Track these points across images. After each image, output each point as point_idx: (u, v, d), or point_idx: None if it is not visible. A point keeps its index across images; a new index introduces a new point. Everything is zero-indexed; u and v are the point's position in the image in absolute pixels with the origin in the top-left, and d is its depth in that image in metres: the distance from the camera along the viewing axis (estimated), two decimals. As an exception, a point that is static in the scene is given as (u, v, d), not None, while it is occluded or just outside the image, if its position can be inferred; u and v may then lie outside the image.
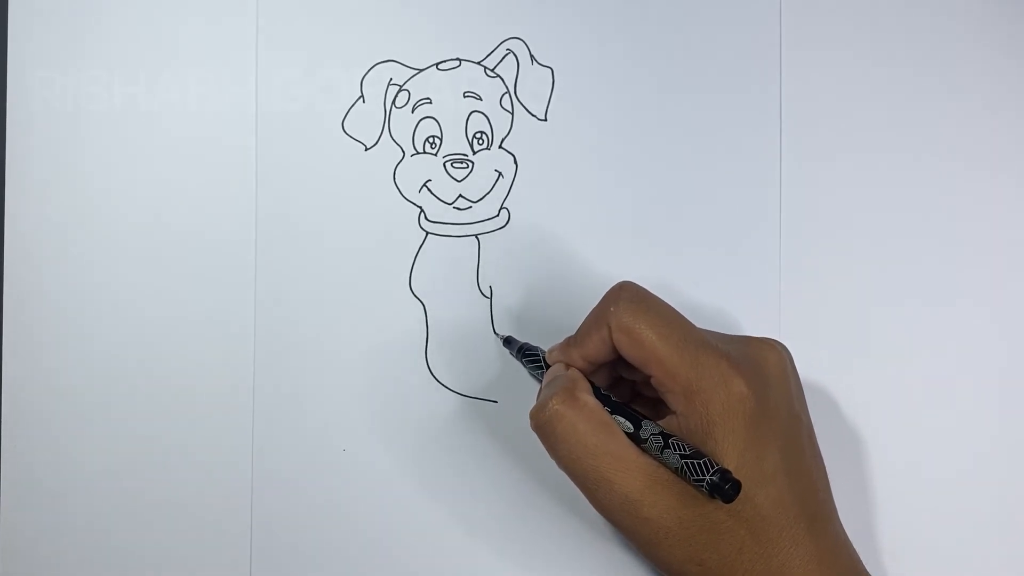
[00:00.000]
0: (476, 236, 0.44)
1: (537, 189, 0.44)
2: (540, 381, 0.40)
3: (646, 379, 0.37)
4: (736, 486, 0.33)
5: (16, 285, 0.44)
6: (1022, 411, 0.44)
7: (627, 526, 0.35)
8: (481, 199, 0.44)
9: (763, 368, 0.36)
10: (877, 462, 0.43)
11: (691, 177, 0.44)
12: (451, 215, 0.44)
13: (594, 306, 0.38)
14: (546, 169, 0.44)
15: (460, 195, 0.44)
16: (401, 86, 0.44)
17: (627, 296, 0.37)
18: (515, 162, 0.44)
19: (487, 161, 0.44)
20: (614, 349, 0.36)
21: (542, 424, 0.36)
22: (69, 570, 0.43)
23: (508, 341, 0.42)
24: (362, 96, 0.44)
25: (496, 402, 0.44)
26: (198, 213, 0.44)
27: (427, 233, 0.44)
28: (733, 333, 0.40)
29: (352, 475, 0.43)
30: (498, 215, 0.44)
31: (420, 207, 0.44)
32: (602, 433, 0.35)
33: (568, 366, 0.38)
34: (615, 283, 0.38)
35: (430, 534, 0.43)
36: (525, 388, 0.43)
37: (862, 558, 0.37)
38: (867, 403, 0.43)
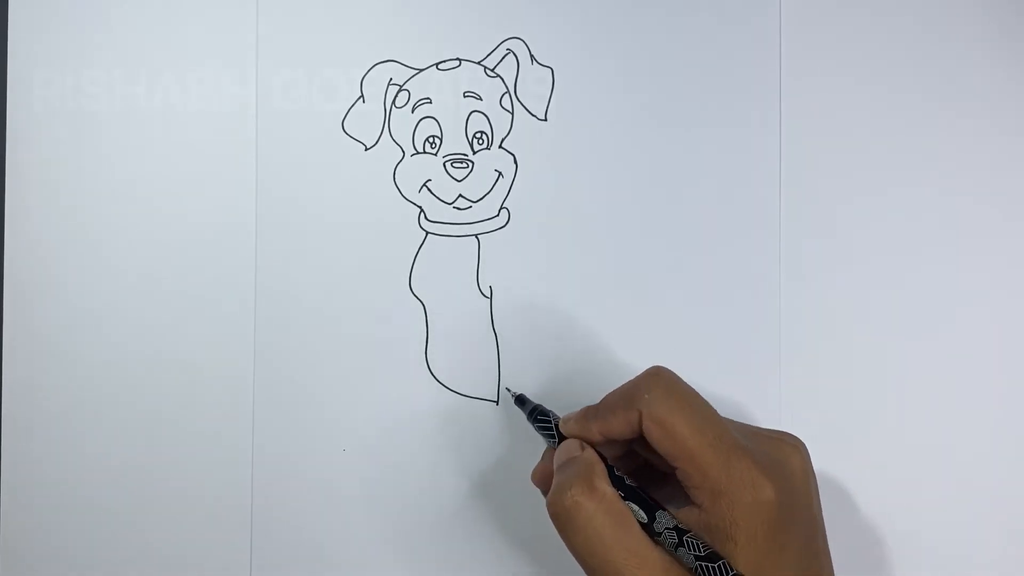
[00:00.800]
0: (476, 236, 0.44)
1: (537, 189, 0.44)
2: (548, 443, 0.39)
3: (665, 466, 0.36)
4: None
5: (16, 285, 0.44)
6: None
7: None
8: (481, 199, 0.44)
9: (788, 472, 0.36)
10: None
11: (691, 176, 0.44)
12: (451, 215, 0.44)
13: (622, 384, 0.37)
14: (546, 169, 0.44)
15: (460, 195, 0.44)
16: (401, 86, 0.44)
17: (663, 385, 0.36)
18: (515, 162, 0.44)
19: (487, 161, 0.44)
20: (638, 432, 0.36)
21: (559, 514, 0.35)
22: (69, 570, 0.43)
23: (520, 400, 0.42)
24: (362, 96, 0.44)
25: (496, 402, 0.44)
26: (198, 213, 0.44)
27: (427, 233, 0.44)
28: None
29: (352, 475, 0.43)
30: (498, 215, 0.44)
31: (420, 207, 0.44)
32: (619, 527, 0.34)
33: (584, 446, 0.37)
34: (649, 367, 0.37)
35: (430, 534, 0.43)
36: (525, 388, 0.43)
37: None
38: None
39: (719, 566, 0.33)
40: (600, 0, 0.44)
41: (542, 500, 0.43)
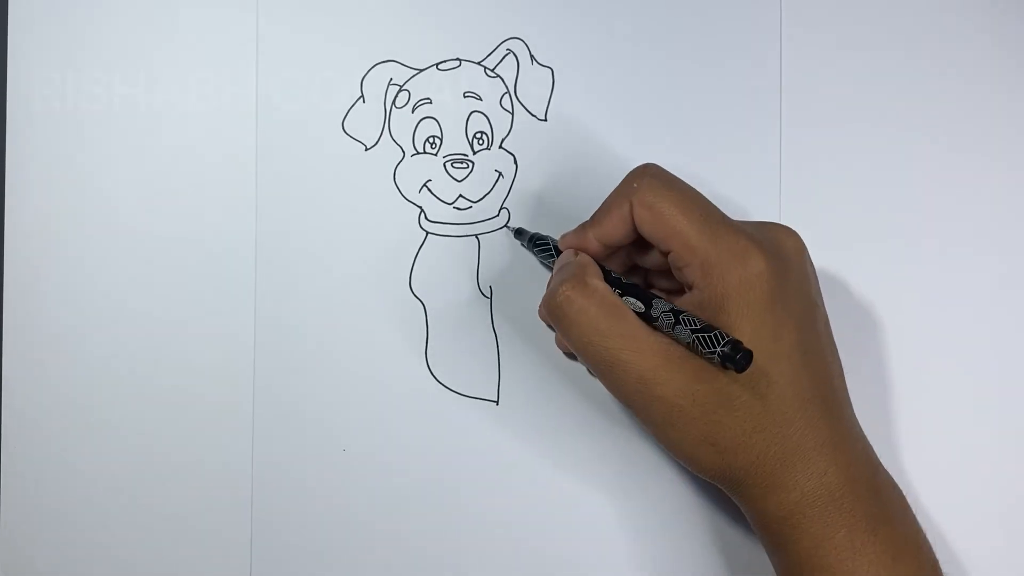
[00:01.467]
0: (476, 236, 0.44)
1: (537, 189, 0.44)
2: (551, 269, 0.40)
3: (661, 264, 0.37)
4: (748, 355, 0.32)
5: (16, 285, 0.44)
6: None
7: (641, 407, 0.35)
8: (481, 199, 0.44)
9: (782, 250, 0.36)
10: (893, 358, 0.44)
11: (691, 176, 0.44)
12: (451, 215, 0.44)
13: (614, 188, 0.38)
14: (546, 169, 0.44)
15: (460, 195, 0.44)
16: (401, 86, 0.44)
17: (651, 173, 0.37)
18: (515, 162, 0.44)
19: (487, 161, 0.44)
20: (633, 229, 0.37)
21: (553, 309, 0.36)
22: (69, 570, 0.43)
23: (519, 232, 0.42)
24: (362, 96, 0.44)
25: (496, 402, 0.44)
26: (198, 213, 0.44)
27: (427, 233, 0.44)
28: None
29: (352, 475, 0.43)
30: (498, 215, 0.44)
31: (420, 207, 0.44)
32: (613, 316, 0.35)
33: (577, 253, 0.38)
34: (637, 165, 0.38)
35: (430, 534, 0.43)
36: (525, 388, 0.44)
37: (876, 450, 0.37)
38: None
39: (714, 335, 0.33)
40: (600, 0, 0.44)
41: (542, 499, 0.43)
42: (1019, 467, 0.43)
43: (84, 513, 0.43)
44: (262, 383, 0.44)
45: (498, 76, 0.44)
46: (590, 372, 0.39)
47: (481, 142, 0.44)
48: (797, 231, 0.38)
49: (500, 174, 0.44)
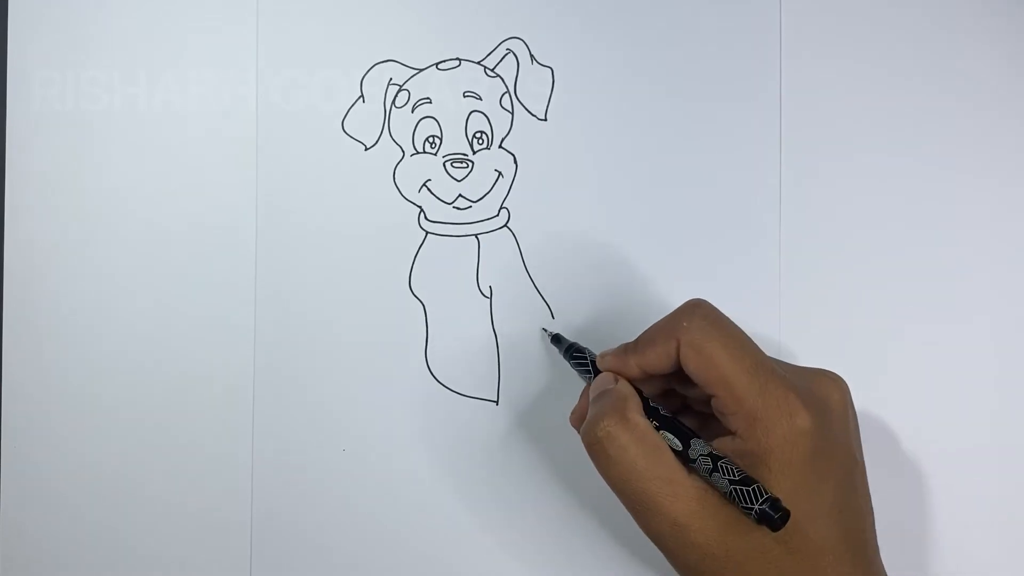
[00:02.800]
0: (476, 236, 0.44)
1: (537, 189, 0.44)
2: (585, 381, 0.39)
3: (702, 397, 0.36)
4: (785, 516, 0.32)
5: (16, 284, 0.44)
6: None
7: (674, 551, 0.35)
8: (481, 199, 0.44)
9: (827, 405, 0.36)
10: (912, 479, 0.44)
11: (691, 176, 0.44)
12: (451, 215, 0.44)
13: (662, 317, 0.37)
14: (546, 169, 0.44)
15: (460, 195, 0.44)
16: (401, 86, 0.44)
17: (701, 314, 0.36)
18: (515, 162, 0.44)
19: (487, 161, 0.44)
20: (676, 363, 0.36)
21: (592, 444, 0.35)
22: (69, 570, 0.43)
23: (557, 339, 0.42)
24: (362, 96, 0.44)
25: (496, 402, 0.44)
26: (198, 213, 0.44)
27: (427, 233, 0.44)
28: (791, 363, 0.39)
29: (352, 475, 0.43)
30: (498, 215, 0.44)
31: (420, 207, 0.44)
32: (652, 456, 0.34)
33: (618, 379, 0.38)
34: (688, 300, 0.37)
35: (430, 534, 0.43)
36: (525, 388, 0.43)
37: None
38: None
39: (753, 490, 0.33)
40: (600, 0, 0.44)
41: (542, 499, 0.43)
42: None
43: (84, 509, 0.43)
44: (262, 382, 0.44)
45: (498, 76, 0.44)
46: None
47: (481, 142, 0.44)
48: (844, 380, 0.37)
49: (500, 174, 0.44)
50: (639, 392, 0.37)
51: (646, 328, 0.37)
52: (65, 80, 0.44)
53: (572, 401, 0.43)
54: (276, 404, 0.43)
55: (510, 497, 0.43)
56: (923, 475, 0.44)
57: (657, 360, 0.36)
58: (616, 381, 0.37)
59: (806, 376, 0.37)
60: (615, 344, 0.38)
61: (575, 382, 0.43)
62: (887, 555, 0.36)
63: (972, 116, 0.44)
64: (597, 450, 0.35)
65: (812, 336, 0.44)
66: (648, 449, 0.35)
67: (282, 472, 0.43)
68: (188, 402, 0.43)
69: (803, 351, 0.44)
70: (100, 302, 0.44)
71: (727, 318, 0.36)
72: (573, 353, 0.40)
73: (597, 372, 0.38)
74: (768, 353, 0.36)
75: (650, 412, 0.36)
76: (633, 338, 0.38)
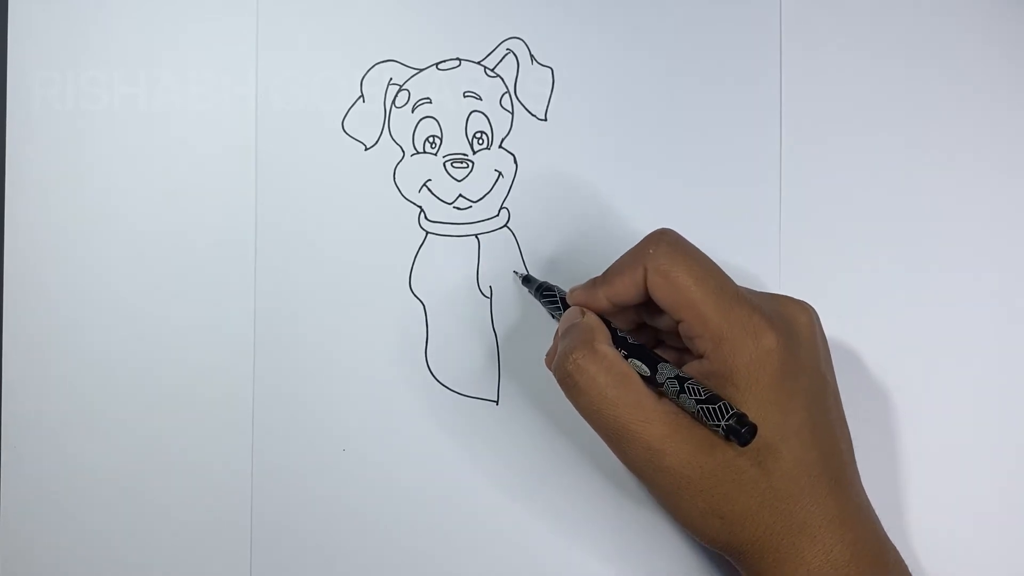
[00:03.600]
0: (476, 236, 0.44)
1: (537, 189, 0.44)
2: (557, 319, 0.40)
3: (671, 327, 0.37)
4: (752, 429, 0.32)
5: (16, 285, 0.44)
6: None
7: (649, 477, 0.35)
8: (481, 199, 0.44)
9: (793, 326, 0.36)
10: (902, 426, 0.43)
11: (691, 176, 0.44)
12: (451, 215, 0.44)
13: (628, 250, 0.38)
14: (546, 169, 0.44)
15: (460, 195, 0.44)
16: (401, 86, 0.44)
17: (667, 240, 0.37)
18: (515, 162, 0.44)
19: (487, 161, 0.44)
20: (644, 292, 0.36)
21: (563, 377, 0.36)
22: (69, 570, 0.43)
23: (527, 280, 0.42)
24: (362, 96, 0.44)
25: (496, 402, 0.44)
26: (198, 213, 0.44)
27: (427, 233, 0.44)
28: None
29: (352, 475, 0.43)
30: (498, 215, 0.44)
31: (420, 207, 0.44)
32: (622, 384, 0.35)
33: (584, 312, 0.38)
34: (654, 230, 0.38)
35: (430, 534, 0.43)
36: (525, 388, 0.43)
37: (884, 525, 0.37)
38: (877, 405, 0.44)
39: (719, 407, 0.33)
40: (600, 0, 0.44)
41: (542, 499, 0.43)
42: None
43: (84, 511, 0.43)
44: (262, 383, 0.44)
45: (498, 76, 0.44)
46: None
47: (481, 142, 0.44)
48: (813, 307, 0.37)
49: (500, 174, 0.44)
50: (608, 324, 0.37)
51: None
52: (65, 80, 0.44)
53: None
54: (276, 404, 0.43)
55: (510, 497, 0.43)
56: (923, 464, 0.44)
57: (625, 289, 0.37)
58: (583, 315, 0.38)
59: (773, 300, 0.37)
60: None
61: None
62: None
63: (973, 109, 0.44)
64: (568, 383, 0.36)
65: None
66: (617, 378, 0.35)
67: (282, 473, 0.43)
68: (188, 402, 0.43)
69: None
70: (100, 302, 0.44)
71: (692, 245, 0.37)
72: (543, 292, 0.41)
73: (566, 307, 0.39)
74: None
75: (618, 342, 0.36)
76: (573, 286, 0.39)
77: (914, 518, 0.43)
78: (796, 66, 0.44)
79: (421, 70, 0.44)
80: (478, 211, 0.44)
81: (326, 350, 0.44)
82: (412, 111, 0.44)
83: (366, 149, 0.44)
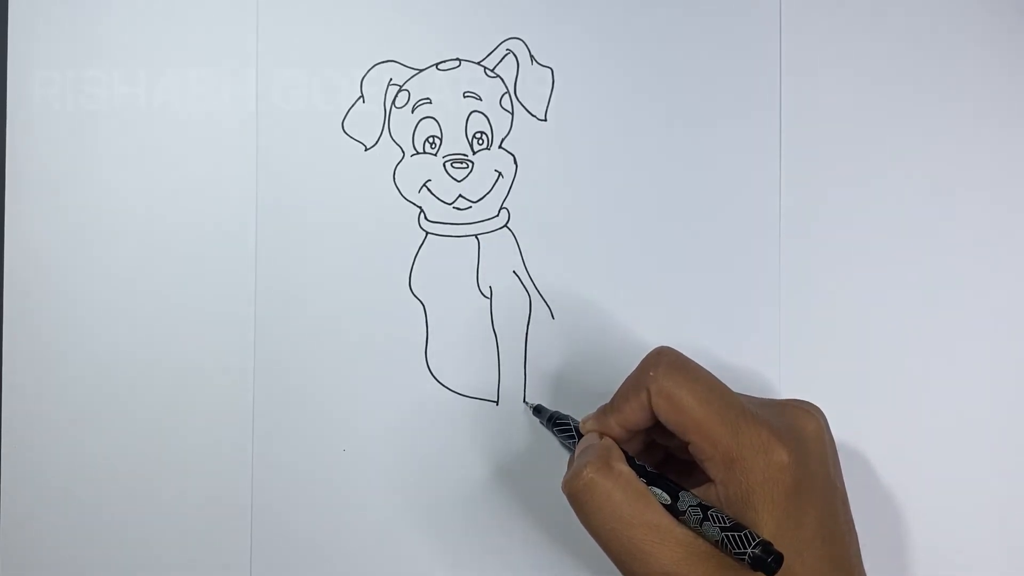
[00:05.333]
0: (476, 236, 0.44)
1: (537, 189, 0.44)
2: (571, 451, 0.39)
3: (683, 445, 0.36)
4: (779, 559, 0.32)
5: (16, 284, 0.44)
6: None
7: None
8: (481, 199, 0.44)
9: (802, 436, 0.35)
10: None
11: (691, 176, 0.44)
12: (451, 215, 0.44)
13: (630, 373, 0.37)
14: (546, 169, 0.44)
15: (460, 195, 0.44)
16: (401, 86, 0.44)
17: (666, 361, 0.36)
18: (515, 162, 0.44)
19: (487, 161, 0.44)
20: (652, 415, 0.36)
21: (576, 493, 0.35)
22: (69, 568, 0.43)
23: (538, 410, 0.42)
24: (362, 96, 0.44)
25: (496, 402, 0.44)
26: (198, 213, 0.44)
27: (427, 233, 0.44)
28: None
29: (352, 475, 0.43)
30: (498, 215, 0.44)
31: (420, 207, 0.44)
32: (638, 503, 0.34)
33: (601, 435, 0.37)
34: (653, 348, 0.37)
35: (430, 534, 0.43)
36: (525, 387, 0.44)
37: None
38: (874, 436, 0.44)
39: (744, 535, 0.32)
40: (600, 0, 0.44)
41: (541, 500, 0.43)
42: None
43: (84, 509, 0.43)
44: (262, 383, 0.44)
45: (498, 76, 0.44)
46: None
47: (481, 142, 0.44)
48: (819, 409, 0.37)
49: (500, 174, 0.44)
50: (625, 453, 0.37)
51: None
52: (65, 80, 0.44)
53: (572, 400, 0.43)
54: (276, 404, 0.43)
55: (510, 497, 0.43)
56: (925, 482, 0.44)
57: (633, 414, 0.36)
58: (600, 437, 0.37)
59: (779, 410, 0.37)
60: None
61: (575, 382, 0.43)
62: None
63: (975, 120, 0.44)
64: (581, 499, 0.35)
65: (813, 336, 0.44)
66: (633, 495, 0.34)
67: (282, 472, 0.43)
68: (188, 402, 0.43)
69: (803, 351, 0.44)
70: (100, 303, 0.44)
71: (693, 362, 0.36)
72: (556, 422, 0.40)
73: (580, 436, 0.39)
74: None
75: (636, 468, 0.36)
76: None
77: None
78: (796, 63, 0.44)
79: (421, 70, 0.44)
80: (478, 211, 0.44)
81: (326, 350, 0.44)
82: (412, 111, 0.44)
83: (366, 149, 0.44)
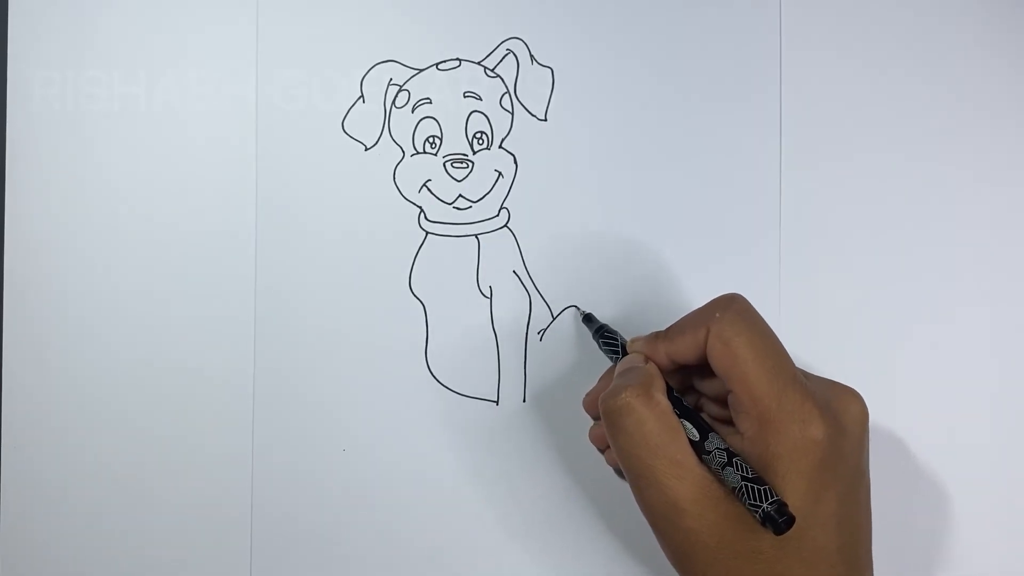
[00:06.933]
0: (476, 236, 0.44)
1: (537, 189, 0.44)
2: (612, 360, 0.39)
3: (719, 394, 0.37)
4: (790, 520, 0.32)
5: (16, 284, 0.44)
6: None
7: (666, 532, 0.35)
8: (481, 199, 0.44)
9: (843, 419, 0.35)
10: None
11: (690, 176, 0.44)
12: (451, 215, 0.44)
13: (695, 308, 0.37)
14: (546, 169, 0.44)
15: (460, 195, 0.44)
16: (401, 86, 0.44)
17: (736, 308, 0.36)
18: (515, 162, 0.44)
19: (487, 161, 0.44)
20: (703, 355, 0.36)
21: (611, 411, 0.35)
22: (69, 569, 0.43)
23: (588, 319, 0.42)
24: (362, 96, 0.44)
25: (496, 402, 0.44)
26: (198, 213, 0.44)
27: (427, 233, 0.44)
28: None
29: (352, 475, 0.43)
30: (498, 215, 0.44)
31: (420, 207, 0.44)
32: (667, 435, 0.35)
33: (647, 359, 0.38)
34: (726, 292, 0.37)
35: (429, 534, 0.43)
36: (526, 385, 0.44)
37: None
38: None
39: (764, 490, 0.33)
40: (600, 0, 0.44)
41: (541, 499, 0.43)
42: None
43: (84, 509, 0.43)
44: (262, 383, 0.44)
45: (498, 76, 0.44)
46: (619, 475, 0.38)
47: (481, 142, 0.44)
48: (863, 398, 0.37)
49: (500, 174, 0.44)
50: (665, 382, 0.37)
51: (675, 320, 0.37)
52: (65, 80, 0.44)
53: (571, 400, 0.43)
54: (276, 404, 0.43)
55: (510, 497, 0.43)
56: (925, 478, 0.44)
57: (686, 349, 0.36)
58: (646, 362, 0.37)
59: (827, 387, 0.36)
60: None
61: (575, 382, 0.43)
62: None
63: (972, 116, 0.44)
64: (614, 418, 0.35)
65: (812, 336, 0.44)
66: (664, 427, 0.35)
67: (282, 472, 0.43)
68: (188, 402, 0.43)
69: (803, 350, 0.44)
70: (100, 303, 0.44)
71: (761, 317, 0.36)
72: (604, 334, 0.40)
73: (625, 354, 0.39)
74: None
75: (672, 400, 0.36)
76: (635, 336, 0.38)
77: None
78: (796, 65, 0.44)
79: (421, 70, 0.44)
80: (478, 211, 0.44)
81: (326, 350, 0.44)
82: (412, 111, 0.44)
83: (366, 149, 0.44)
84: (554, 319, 0.44)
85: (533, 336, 0.44)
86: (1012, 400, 0.44)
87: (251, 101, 0.44)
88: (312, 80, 0.44)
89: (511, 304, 0.44)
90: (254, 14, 0.44)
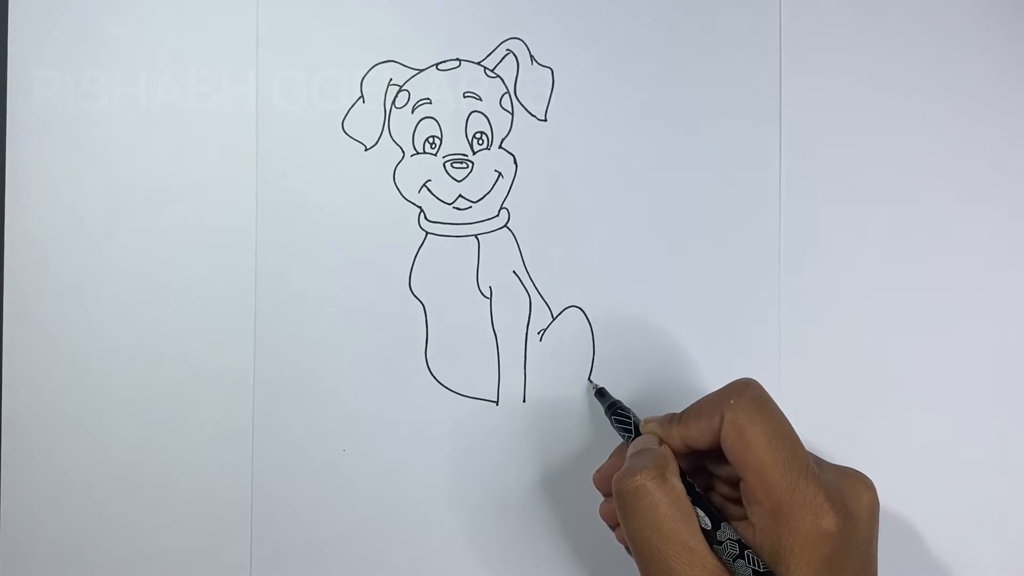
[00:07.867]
0: (476, 236, 0.44)
1: (537, 189, 0.44)
2: (623, 438, 0.39)
3: (730, 478, 0.37)
4: None
5: (16, 285, 0.44)
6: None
7: None
8: (481, 199, 0.44)
9: (854, 508, 0.35)
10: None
11: (690, 176, 0.44)
12: (451, 215, 0.44)
13: (709, 393, 0.37)
14: (546, 169, 0.44)
15: (460, 195, 0.44)
16: (401, 86, 0.44)
17: (750, 395, 0.36)
18: (515, 162, 0.44)
19: (487, 161, 0.44)
20: (717, 441, 0.36)
21: (625, 492, 0.35)
22: (69, 568, 0.43)
23: (600, 394, 0.42)
24: (362, 96, 0.44)
25: (496, 402, 0.44)
26: (198, 213, 0.44)
27: (427, 233, 0.44)
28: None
29: (352, 475, 0.43)
30: (498, 215, 0.44)
31: (420, 207, 0.44)
32: (680, 521, 0.34)
33: (661, 441, 0.37)
34: (740, 378, 0.37)
35: (429, 534, 0.43)
36: (526, 386, 0.44)
37: None
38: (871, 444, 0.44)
39: None
40: (600, 1, 0.44)
41: (541, 499, 0.43)
42: None
43: (84, 507, 0.43)
44: (262, 383, 0.44)
45: (498, 76, 0.44)
46: (628, 552, 0.37)
47: (481, 142, 0.44)
48: (873, 484, 0.36)
49: (500, 174, 0.44)
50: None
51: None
52: (65, 80, 0.44)
53: (571, 400, 0.43)
54: (276, 404, 0.44)
55: (509, 497, 0.43)
56: (931, 556, 0.44)
57: (700, 434, 0.36)
58: (660, 444, 0.37)
59: (839, 475, 0.36)
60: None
61: (575, 382, 0.43)
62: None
63: (975, 123, 0.44)
64: (628, 499, 0.35)
65: (812, 335, 0.44)
66: (678, 512, 0.34)
67: (282, 472, 0.43)
68: (188, 402, 0.44)
69: (803, 349, 0.44)
70: (100, 303, 0.44)
71: (774, 404, 0.36)
72: (617, 411, 0.40)
73: (638, 433, 0.38)
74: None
75: (685, 485, 0.36)
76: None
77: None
78: (796, 65, 0.44)
79: (421, 70, 0.44)
80: (478, 211, 0.44)
81: (326, 350, 0.44)
82: (412, 111, 0.44)
83: (366, 149, 0.44)
84: (554, 319, 0.44)
85: (533, 336, 0.44)
86: (1019, 416, 0.44)
87: (251, 101, 0.44)
88: (312, 80, 0.44)
89: (511, 304, 0.44)
90: (254, 14, 0.44)
